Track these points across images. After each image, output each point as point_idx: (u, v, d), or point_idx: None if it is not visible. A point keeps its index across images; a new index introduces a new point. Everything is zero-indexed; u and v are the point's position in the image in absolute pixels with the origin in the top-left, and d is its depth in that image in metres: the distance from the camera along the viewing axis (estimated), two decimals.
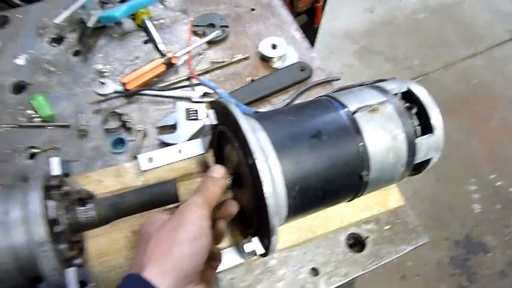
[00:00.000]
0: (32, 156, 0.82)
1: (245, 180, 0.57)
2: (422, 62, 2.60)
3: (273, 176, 0.53)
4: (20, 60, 0.94)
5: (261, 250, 0.58)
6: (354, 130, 0.59)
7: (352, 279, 0.73)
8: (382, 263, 0.75)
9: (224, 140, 0.63)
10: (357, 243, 0.77)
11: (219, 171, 0.56)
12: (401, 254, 0.76)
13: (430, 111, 0.65)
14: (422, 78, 2.54)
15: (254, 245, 0.58)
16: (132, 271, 0.46)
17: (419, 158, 0.65)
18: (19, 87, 0.91)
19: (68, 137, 0.85)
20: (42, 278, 0.51)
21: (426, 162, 0.68)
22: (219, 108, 0.60)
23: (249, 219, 0.61)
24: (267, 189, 0.50)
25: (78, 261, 0.57)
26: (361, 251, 0.75)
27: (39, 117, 0.86)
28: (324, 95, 0.67)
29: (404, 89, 0.67)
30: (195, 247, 0.47)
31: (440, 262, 1.95)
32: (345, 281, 0.72)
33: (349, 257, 0.74)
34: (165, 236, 0.48)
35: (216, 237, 0.57)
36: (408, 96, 0.68)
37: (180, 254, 0.46)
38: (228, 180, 0.59)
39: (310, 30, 1.77)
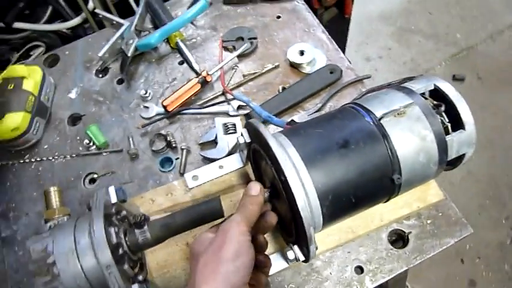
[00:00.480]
0: (92, 181, 0.92)
1: (281, 193, 0.61)
2: (465, 35, 2.49)
3: (305, 189, 0.57)
4: (73, 94, 1.04)
5: (302, 257, 0.61)
6: (382, 136, 0.61)
7: (397, 274, 0.75)
8: (427, 257, 0.76)
9: (259, 156, 0.68)
10: (399, 239, 0.79)
11: (255, 189, 0.60)
12: (445, 247, 0.77)
13: (459, 107, 0.65)
14: (467, 52, 2.43)
15: (295, 252, 0.62)
16: None
17: (452, 155, 0.66)
18: (74, 119, 1.01)
19: (121, 161, 0.93)
20: None
21: (461, 157, 0.68)
22: (251, 129, 0.65)
23: (289, 227, 0.65)
24: (300, 203, 0.54)
25: (140, 277, 0.64)
26: (404, 246, 0.77)
27: (95, 145, 0.95)
28: (351, 103, 0.69)
29: (431, 87, 0.68)
30: (238, 263, 0.52)
31: (502, 242, 1.89)
32: (389, 278, 0.75)
33: (392, 253, 0.77)
34: (210, 256, 0.53)
35: (259, 248, 0.62)
36: (436, 94, 0.68)
37: (225, 271, 0.51)
38: (266, 193, 0.63)
39: (342, 22, 1.76)
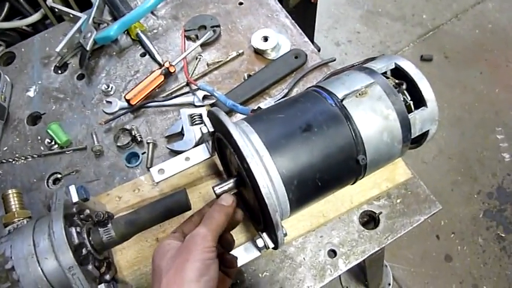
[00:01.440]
0: (56, 181, 0.89)
1: (246, 181, 0.60)
2: (431, 16, 2.52)
3: (270, 175, 0.56)
4: (31, 93, 1.00)
5: (271, 244, 0.61)
6: (344, 117, 0.61)
7: (370, 255, 0.76)
8: (398, 236, 0.77)
9: (223, 145, 0.66)
10: (370, 220, 0.80)
11: (227, 200, 0.58)
12: (416, 224, 0.78)
13: (420, 85, 0.65)
14: (433, 32, 2.46)
15: (264, 240, 0.61)
16: None
17: (415, 133, 0.66)
18: (34, 119, 0.97)
19: (86, 159, 0.90)
20: None
21: (425, 134, 0.69)
22: (213, 117, 0.63)
23: (258, 216, 0.64)
24: (263, 190, 0.53)
25: (107, 276, 0.63)
26: (376, 227, 0.78)
27: (57, 144, 0.91)
28: (313, 86, 0.68)
29: (392, 66, 0.68)
30: (201, 283, 0.50)
31: (475, 217, 1.94)
32: (362, 259, 0.75)
33: (364, 235, 0.77)
34: (172, 276, 0.50)
35: (227, 246, 0.60)
36: (398, 72, 0.68)
37: None
38: (231, 184, 0.63)
39: (308, 7, 1.75)
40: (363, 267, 1.55)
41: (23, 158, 0.91)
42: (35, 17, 1.39)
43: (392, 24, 2.52)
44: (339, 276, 1.97)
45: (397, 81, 0.67)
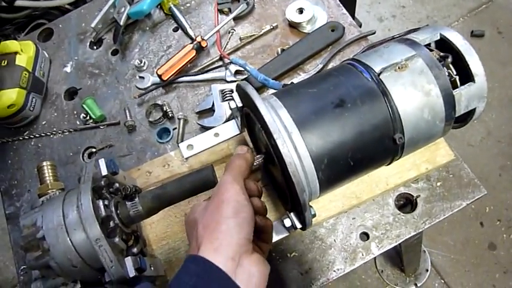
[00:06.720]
0: (91, 155, 0.90)
1: (274, 158, 0.58)
2: None
3: (298, 153, 0.53)
4: (68, 68, 1.02)
5: (299, 225, 0.58)
6: (381, 92, 0.56)
7: (405, 240, 0.72)
8: (436, 221, 0.72)
9: (251, 120, 0.64)
10: (407, 203, 0.75)
11: (242, 148, 0.61)
12: (456, 209, 0.73)
13: (468, 58, 0.59)
14: (486, 6, 2.28)
15: (292, 220, 0.59)
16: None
17: (460, 110, 0.60)
18: (71, 94, 0.99)
19: (119, 134, 0.91)
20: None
21: (471, 112, 0.63)
22: (241, 92, 0.61)
23: (286, 195, 0.62)
24: (290, 168, 0.50)
25: (135, 249, 0.63)
26: (413, 211, 0.73)
27: (92, 118, 0.92)
28: (348, 59, 0.64)
29: (437, 38, 0.62)
30: (239, 219, 0.50)
31: None
32: (396, 243, 0.71)
33: (399, 218, 0.73)
34: (209, 217, 0.51)
35: (258, 212, 0.57)
36: (443, 44, 0.62)
37: (227, 227, 0.49)
38: (260, 159, 0.61)
39: None
40: (399, 252, 1.50)
41: (60, 132, 0.93)
42: None
43: None
44: (374, 259, 1.93)
45: (441, 54, 0.61)
